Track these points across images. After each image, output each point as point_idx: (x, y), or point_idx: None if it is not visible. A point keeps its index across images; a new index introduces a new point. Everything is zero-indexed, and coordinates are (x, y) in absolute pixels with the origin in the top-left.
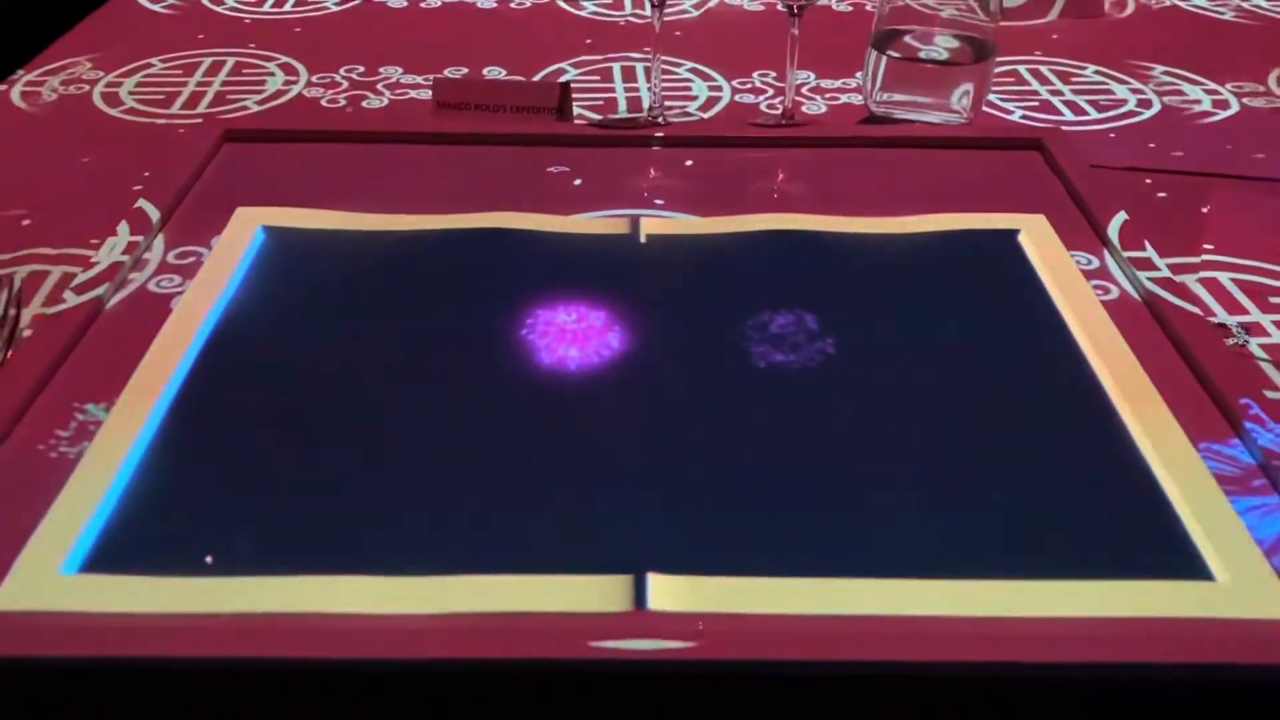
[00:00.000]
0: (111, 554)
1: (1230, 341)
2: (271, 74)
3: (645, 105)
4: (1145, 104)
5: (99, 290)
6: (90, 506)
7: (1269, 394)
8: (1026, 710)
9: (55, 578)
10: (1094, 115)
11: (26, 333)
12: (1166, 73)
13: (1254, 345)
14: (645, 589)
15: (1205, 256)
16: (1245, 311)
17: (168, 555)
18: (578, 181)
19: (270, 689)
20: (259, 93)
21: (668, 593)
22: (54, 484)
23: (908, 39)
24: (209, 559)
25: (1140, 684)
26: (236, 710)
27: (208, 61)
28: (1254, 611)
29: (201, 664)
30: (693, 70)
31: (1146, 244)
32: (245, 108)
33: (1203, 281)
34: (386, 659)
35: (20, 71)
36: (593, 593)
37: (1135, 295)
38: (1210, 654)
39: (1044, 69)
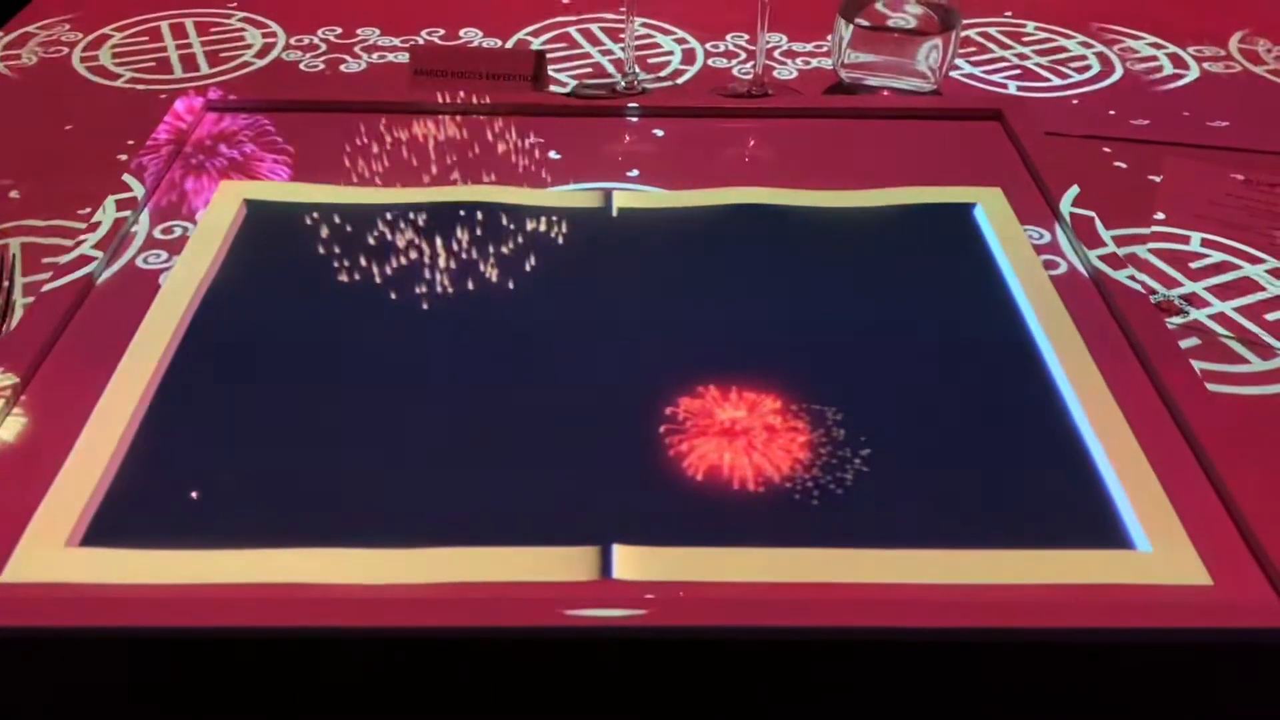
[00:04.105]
0: (111, 528)
1: (1175, 321)
2: (245, 28)
3: (625, 64)
4: (1107, 63)
5: (90, 266)
6: (90, 482)
7: (1200, 366)
8: (961, 673)
9: (61, 551)
10: (1076, 79)
11: (28, 300)
12: (1120, 33)
13: (1204, 318)
14: (611, 560)
15: (1155, 228)
16: (1183, 285)
17: (164, 529)
18: (553, 154)
19: (258, 655)
20: (245, 51)
21: (632, 563)
22: (56, 460)
23: (876, 6)
24: (203, 533)
25: (1068, 648)
26: (230, 673)
27: (170, 24)
28: (1175, 579)
29: (196, 633)
30: (656, 28)
31: (1096, 220)
32: (248, 63)
33: (1151, 255)
34: (374, 627)
35: None
36: (562, 564)
37: (1083, 270)
38: (1135, 619)
39: (1003, 32)
